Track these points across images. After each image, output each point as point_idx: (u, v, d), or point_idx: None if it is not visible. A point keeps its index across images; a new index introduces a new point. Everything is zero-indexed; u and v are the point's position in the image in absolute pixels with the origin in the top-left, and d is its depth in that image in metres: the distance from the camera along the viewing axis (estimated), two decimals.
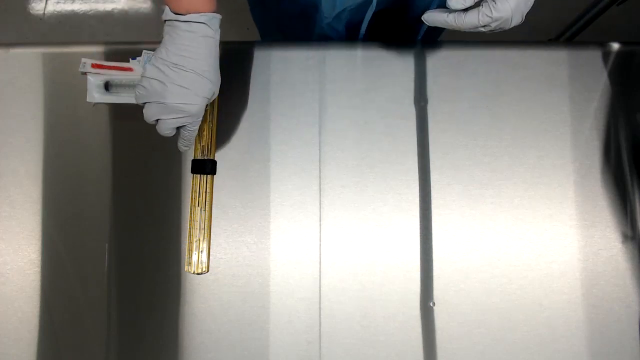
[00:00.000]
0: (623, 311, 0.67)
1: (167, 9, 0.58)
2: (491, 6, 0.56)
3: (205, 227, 0.69)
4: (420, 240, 0.69)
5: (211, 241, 0.69)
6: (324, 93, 0.72)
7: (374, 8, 0.72)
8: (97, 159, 0.71)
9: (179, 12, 0.57)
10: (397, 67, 0.73)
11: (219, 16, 0.59)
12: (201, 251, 0.69)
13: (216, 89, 0.61)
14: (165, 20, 0.59)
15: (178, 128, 0.62)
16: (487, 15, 0.57)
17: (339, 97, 0.72)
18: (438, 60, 0.73)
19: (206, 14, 0.58)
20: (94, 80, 0.72)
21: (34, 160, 0.71)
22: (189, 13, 0.57)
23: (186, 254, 0.69)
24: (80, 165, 0.71)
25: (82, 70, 0.72)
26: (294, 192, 0.70)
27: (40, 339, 0.67)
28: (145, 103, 0.59)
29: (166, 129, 0.60)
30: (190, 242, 0.69)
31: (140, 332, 0.67)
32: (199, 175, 0.70)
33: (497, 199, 0.70)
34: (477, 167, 0.70)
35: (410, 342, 0.66)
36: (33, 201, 0.70)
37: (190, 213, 0.69)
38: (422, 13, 0.75)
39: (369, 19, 0.75)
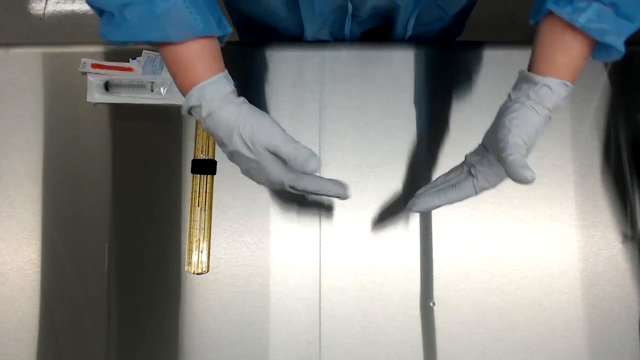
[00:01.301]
0: (623, 311, 0.67)
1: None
2: (486, 177, 0.52)
3: (205, 227, 0.69)
4: (420, 240, 0.69)
5: (211, 241, 0.69)
6: (324, 93, 0.72)
7: (350, 19, 0.71)
8: (97, 159, 0.71)
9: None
10: (397, 67, 0.73)
11: (206, 82, 0.50)
12: (201, 251, 0.69)
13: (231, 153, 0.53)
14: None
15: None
16: (483, 187, 0.53)
17: (339, 97, 0.72)
18: (438, 61, 0.73)
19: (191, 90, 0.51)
20: (94, 80, 0.72)
21: (34, 160, 0.71)
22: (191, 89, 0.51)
23: (186, 254, 0.69)
24: (80, 165, 0.71)
25: (82, 70, 0.72)
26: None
27: (40, 339, 0.67)
28: None
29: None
30: (190, 242, 0.69)
31: (140, 332, 0.67)
32: (199, 175, 0.70)
33: (497, 199, 0.70)
34: None
35: (410, 342, 0.66)
36: (33, 201, 0.70)
37: (190, 213, 0.69)
38: (403, 30, 0.73)
39: (349, 30, 0.74)
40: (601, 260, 0.68)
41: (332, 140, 0.71)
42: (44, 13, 1.66)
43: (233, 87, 0.52)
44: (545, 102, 0.49)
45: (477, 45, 0.74)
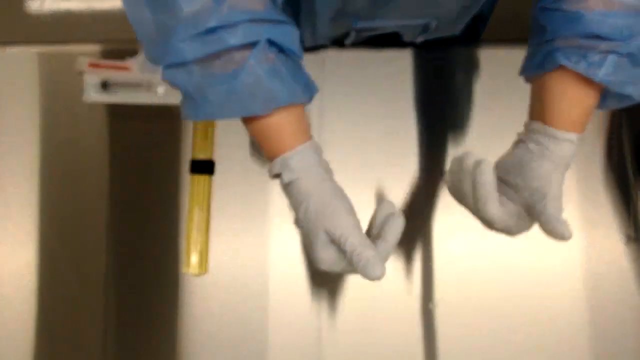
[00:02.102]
0: (626, 312, 0.67)
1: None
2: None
3: (204, 228, 0.69)
4: (420, 241, 0.69)
5: (210, 242, 0.69)
6: (324, 93, 0.72)
7: (352, 39, 0.70)
8: (95, 159, 0.71)
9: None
10: (397, 67, 0.73)
11: (290, 154, 0.48)
12: (200, 252, 0.68)
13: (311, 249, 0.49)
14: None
15: None
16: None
17: (339, 97, 0.72)
18: (438, 60, 0.73)
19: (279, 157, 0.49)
20: (91, 80, 0.71)
21: (30, 160, 0.70)
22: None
23: (185, 254, 0.68)
24: (78, 165, 0.71)
25: (79, 69, 0.72)
26: None
27: (37, 341, 0.67)
28: None
29: None
30: (189, 243, 0.68)
31: (139, 334, 0.67)
32: (197, 175, 0.70)
33: None
34: None
35: (411, 344, 0.66)
36: (30, 202, 0.69)
37: (189, 213, 0.69)
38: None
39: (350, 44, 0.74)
40: (604, 262, 0.68)
41: (332, 140, 0.71)
42: (40, 12, 1.65)
43: (319, 158, 0.50)
44: (567, 158, 0.49)
45: (477, 45, 0.74)
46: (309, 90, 0.49)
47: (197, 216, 0.69)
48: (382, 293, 0.67)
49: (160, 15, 0.42)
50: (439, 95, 0.72)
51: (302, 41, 0.72)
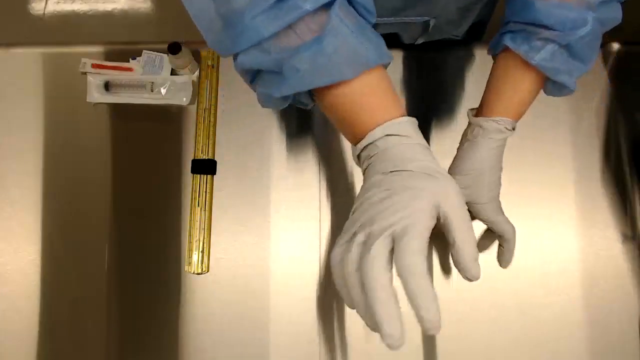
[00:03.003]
0: (623, 311, 0.67)
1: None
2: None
3: (205, 227, 0.69)
4: None
5: (211, 241, 0.69)
6: None
7: None
8: (97, 159, 0.71)
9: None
10: (397, 67, 0.73)
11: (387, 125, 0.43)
12: (201, 251, 0.69)
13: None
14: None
15: None
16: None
17: None
18: (438, 61, 0.73)
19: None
20: (94, 80, 0.72)
21: (34, 160, 0.71)
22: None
23: (186, 254, 0.69)
24: (80, 166, 0.71)
25: (82, 70, 0.72)
26: (294, 191, 0.70)
27: (40, 339, 0.67)
28: None
29: None
30: (190, 242, 0.69)
31: (140, 332, 0.67)
32: (199, 175, 0.70)
33: None
34: None
35: (410, 342, 0.66)
36: (33, 201, 0.70)
37: (190, 213, 0.69)
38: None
39: None
40: (601, 261, 0.68)
41: (327, 139, 0.71)
42: (44, 13, 1.66)
43: (419, 134, 0.46)
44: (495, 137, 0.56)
45: (478, 45, 0.74)
46: (390, 53, 0.45)
47: (198, 215, 0.69)
48: None
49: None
50: (437, 94, 0.72)
51: None
